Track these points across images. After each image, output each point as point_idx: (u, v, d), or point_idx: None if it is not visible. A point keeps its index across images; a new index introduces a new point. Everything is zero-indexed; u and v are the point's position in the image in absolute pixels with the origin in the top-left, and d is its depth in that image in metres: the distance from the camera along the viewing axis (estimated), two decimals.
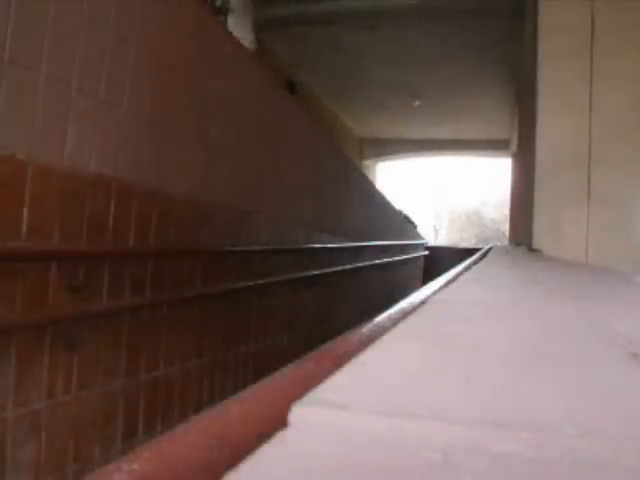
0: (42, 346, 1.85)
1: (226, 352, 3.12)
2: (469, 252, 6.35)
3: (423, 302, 1.03)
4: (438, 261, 10.28)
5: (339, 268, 5.22)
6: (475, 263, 2.83)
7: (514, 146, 10.48)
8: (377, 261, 6.91)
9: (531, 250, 4.74)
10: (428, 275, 8.60)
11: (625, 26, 4.57)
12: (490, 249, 6.09)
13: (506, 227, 14.65)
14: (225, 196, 3.10)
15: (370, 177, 10.98)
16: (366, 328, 0.81)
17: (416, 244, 10.46)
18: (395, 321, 0.82)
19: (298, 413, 0.39)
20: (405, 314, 0.88)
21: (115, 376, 2.20)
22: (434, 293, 1.21)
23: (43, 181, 1.82)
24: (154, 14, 2.40)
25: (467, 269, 2.28)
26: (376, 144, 14.46)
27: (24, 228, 1.75)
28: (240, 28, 4.92)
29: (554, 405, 0.44)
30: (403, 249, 8.87)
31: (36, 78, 1.79)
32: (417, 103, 10.83)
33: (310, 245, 4.41)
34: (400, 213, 8.72)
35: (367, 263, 6.34)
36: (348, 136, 13.13)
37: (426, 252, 11.18)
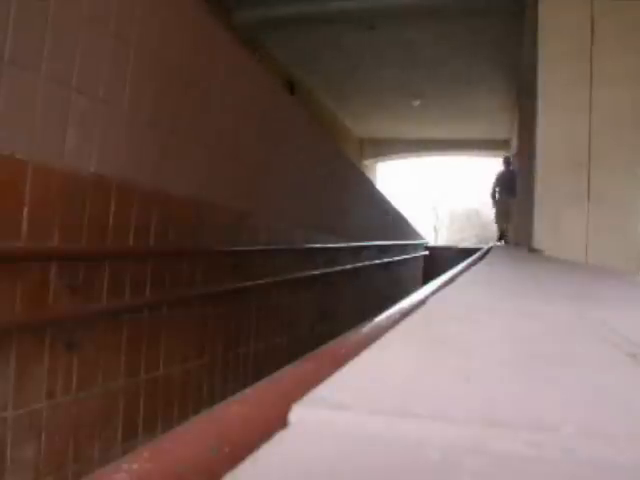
0: (42, 346, 1.85)
1: (226, 352, 3.12)
2: (469, 252, 6.36)
3: (423, 302, 1.03)
4: (438, 261, 10.28)
5: (339, 268, 5.22)
6: (475, 263, 2.83)
7: (514, 146, 10.47)
8: (377, 261, 6.91)
9: (531, 250, 4.74)
10: (428, 275, 8.60)
11: (625, 27, 4.58)
12: (490, 249, 6.09)
13: None
14: (225, 196, 3.11)
15: (370, 177, 10.98)
16: (366, 328, 0.81)
17: (416, 244, 10.47)
18: (395, 321, 0.82)
19: (298, 413, 0.39)
20: (405, 314, 0.88)
21: (115, 376, 2.21)
22: (434, 293, 1.21)
23: (43, 181, 1.82)
24: (154, 14, 2.40)
25: (467, 269, 2.28)
26: (376, 144, 14.46)
27: (24, 228, 1.75)
28: None
29: (553, 405, 0.44)
30: (403, 249, 8.87)
31: (36, 78, 1.79)
32: (417, 103, 10.83)
33: (310, 245, 4.41)
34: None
35: (367, 263, 6.34)
36: (348, 136, 13.13)
37: (426, 252, 11.18)
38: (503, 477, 0.32)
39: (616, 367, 0.59)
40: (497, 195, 9.76)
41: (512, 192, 8.93)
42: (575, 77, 4.57)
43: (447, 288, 1.37)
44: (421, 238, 11.45)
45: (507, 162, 9.89)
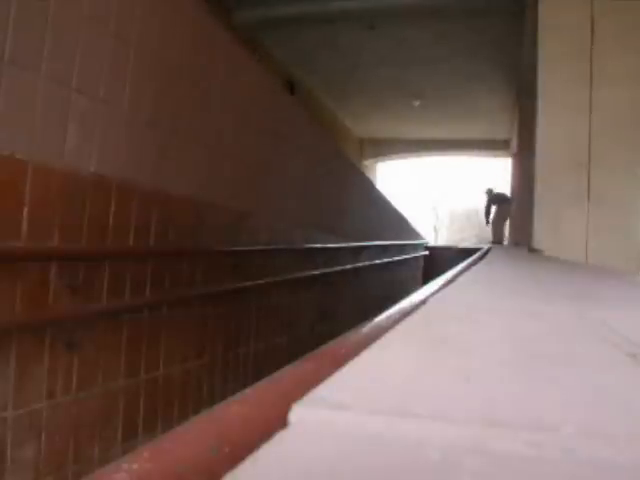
0: (42, 346, 1.85)
1: (226, 352, 3.12)
2: (469, 252, 6.36)
3: (423, 302, 1.03)
4: (438, 261, 10.28)
5: (339, 268, 5.21)
6: (475, 263, 2.83)
7: (514, 146, 10.48)
8: (377, 261, 6.91)
9: (531, 250, 4.75)
10: (428, 275, 8.60)
11: (625, 27, 4.58)
12: (490, 249, 6.09)
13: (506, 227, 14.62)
14: (225, 196, 3.11)
15: (370, 177, 10.98)
16: (366, 328, 0.81)
17: (416, 244, 10.47)
18: (395, 321, 0.82)
19: (298, 413, 0.39)
20: (405, 314, 0.88)
21: (115, 376, 2.21)
22: (434, 293, 1.22)
23: (43, 181, 1.82)
24: (154, 14, 2.40)
25: (467, 269, 2.28)
26: (376, 144, 14.46)
27: (24, 228, 1.75)
28: None
29: (553, 405, 0.44)
30: (403, 249, 8.88)
31: (36, 78, 1.79)
32: (417, 103, 10.83)
33: (310, 245, 4.41)
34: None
35: (367, 263, 6.34)
36: (348, 136, 13.13)
37: (426, 252, 11.18)
38: (503, 477, 0.32)
39: (616, 367, 0.59)
40: (492, 211, 11.14)
41: (507, 202, 10.30)
42: (575, 77, 4.57)
43: (447, 288, 1.37)
44: (421, 238, 11.45)
45: (489, 193, 11.25)
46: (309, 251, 4.41)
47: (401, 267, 8.76)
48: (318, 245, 4.59)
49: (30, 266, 1.80)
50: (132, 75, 2.26)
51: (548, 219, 4.63)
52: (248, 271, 3.30)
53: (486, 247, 7.16)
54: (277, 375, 0.56)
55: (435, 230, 19.10)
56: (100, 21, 2.07)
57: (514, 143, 10.53)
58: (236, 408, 0.46)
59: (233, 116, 3.20)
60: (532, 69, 5.08)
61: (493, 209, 11.03)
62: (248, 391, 0.51)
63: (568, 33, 4.65)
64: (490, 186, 11.63)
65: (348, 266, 5.56)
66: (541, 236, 4.66)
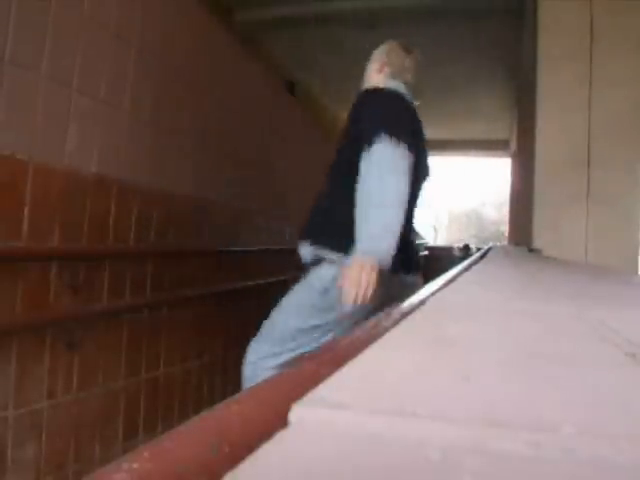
0: (43, 346, 1.86)
1: (226, 352, 3.12)
2: (468, 252, 6.35)
3: (423, 302, 1.03)
4: (438, 261, 10.29)
5: None
6: (475, 263, 2.83)
7: (514, 146, 10.48)
8: None
9: (530, 250, 4.74)
10: (428, 275, 8.59)
11: (624, 28, 4.57)
12: (489, 249, 6.09)
13: (505, 227, 14.66)
14: (226, 196, 3.11)
15: None
16: (366, 328, 0.81)
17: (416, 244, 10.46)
18: (395, 321, 0.82)
19: (298, 413, 0.39)
20: (405, 314, 0.88)
21: (115, 376, 2.21)
22: (434, 293, 1.22)
23: (44, 181, 1.82)
24: (155, 14, 2.40)
25: (467, 269, 2.28)
26: None
27: (25, 228, 1.75)
28: None
29: (553, 405, 0.44)
30: None
31: (37, 78, 1.79)
32: (417, 103, 10.82)
33: None
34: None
35: None
36: None
37: (426, 252, 11.19)
38: (503, 477, 0.32)
39: (616, 367, 0.59)
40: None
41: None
42: (575, 77, 4.57)
43: (447, 288, 1.37)
44: (421, 238, 11.46)
45: (466, 248, 12.91)
46: None
47: None
48: None
49: (31, 266, 1.80)
50: (133, 75, 2.26)
51: (547, 219, 4.63)
52: (248, 271, 3.31)
53: (485, 247, 7.17)
54: (277, 375, 0.56)
55: (435, 230, 19.10)
56: (101, 21, 2.07)
57: (513, 143, 10.53)
58: (236, 408, 0.46)
59: (233, 116, 3.20)
60: (532, 69, 5.08)
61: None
62: (248, 391, 0.51)
63: (568, 33, 4.65)
64: (466, 243, 13.44)
65: None
66: (540, 236, 4.66)
